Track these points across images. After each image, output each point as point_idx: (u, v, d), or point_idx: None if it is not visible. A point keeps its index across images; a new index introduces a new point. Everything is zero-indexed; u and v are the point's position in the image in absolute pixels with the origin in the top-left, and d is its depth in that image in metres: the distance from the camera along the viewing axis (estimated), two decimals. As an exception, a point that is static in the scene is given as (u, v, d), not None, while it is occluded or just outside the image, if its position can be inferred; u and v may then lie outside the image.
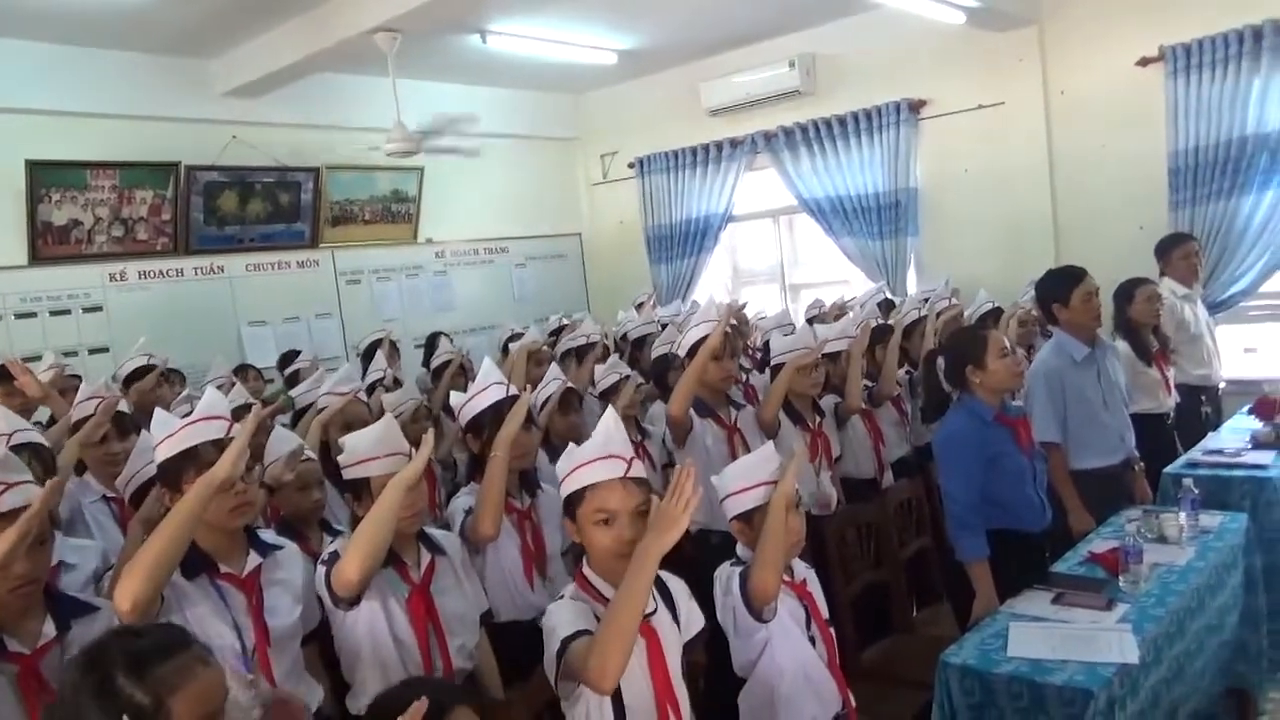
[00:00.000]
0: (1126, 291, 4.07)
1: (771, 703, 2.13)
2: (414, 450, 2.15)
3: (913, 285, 6.16)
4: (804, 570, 2.29)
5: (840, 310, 5.27)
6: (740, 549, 2.22)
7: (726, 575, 2.16)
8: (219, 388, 3.40)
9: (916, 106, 6.11)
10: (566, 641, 1.75)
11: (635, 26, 5.99)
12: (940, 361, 3.14)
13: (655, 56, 6.70)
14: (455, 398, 2.80)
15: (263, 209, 6.03)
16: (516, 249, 7.63)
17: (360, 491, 2.22)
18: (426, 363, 5.39)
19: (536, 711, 2.10)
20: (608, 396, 3.76)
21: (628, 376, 3.87)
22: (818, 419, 3.61)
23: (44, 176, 5.09)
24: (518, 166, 7.52)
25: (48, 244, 5.22)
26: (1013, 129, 5.77)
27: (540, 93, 7.52)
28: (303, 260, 6.36)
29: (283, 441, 2.72)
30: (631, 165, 7.61)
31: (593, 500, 1.87)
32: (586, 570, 1.91)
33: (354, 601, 2.03)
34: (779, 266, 7.30)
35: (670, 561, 1.85)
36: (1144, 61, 5.23)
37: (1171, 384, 4.15)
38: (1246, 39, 4.84)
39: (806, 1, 5.85)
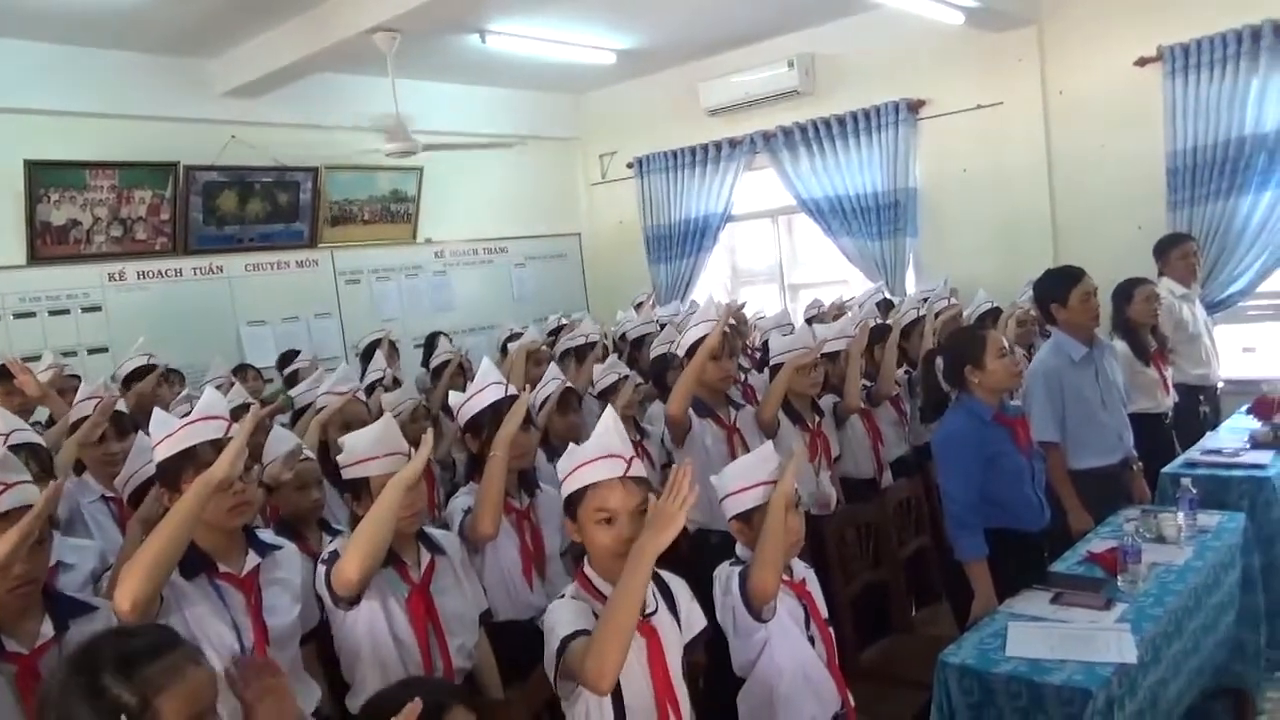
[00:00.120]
0: (1125, 291, 4.08)
1: (771, 702, 2.13)
2: (413, 450, 2.15)
3: (911, 285, 6.16)
4: (803, 570, 2.29)
5: (839, 310, 5.27)
6: (739, 549, 2.22)
7: (726, 575, 2.16)
8: (218, 388, 3.41)
9: (915, 106, 6.12)
10: (566, 641, 1.75)
11: (634, 26, 6.00)
12: (939, 361, 3.15)
13: (654, 56, 6.70)
14: (454, 397, 2.80)
15: (262, 209, 6.03)
16: (515, 249, 7.63)
17: (360, 491, 2.22)
18: (426, 362, 5.39)
19: (535, 711, 2.10)
20: (606, 396, 3.76)
21: (626, 376, 3.87)
22: (817, 419, 3.61)
23: (43, 176, 5.09)
24: (517, 166, 7.51)
25: (46, 244, 5.21)
26: (1011, 129, 5.78)
27: (539, 93, 7.52)
28: (302, 260, 6.36)
29: (281, 441, 2.72)
30: (630, 165, 7.61)
31: (593, 499, 1.87)
32: (587, 570, 1.91)
33: (354, 601, 2.04)
34: (778, 266, 7.30)
35: (669, 561, 1.85)
36: (1142, 61, 5.23)
37: (1170, 384, 4.15)
38: (1245, 39, 4.84)
39: (805, 1, 5.85)
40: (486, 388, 2.69)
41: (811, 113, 6.49)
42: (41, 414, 3.78)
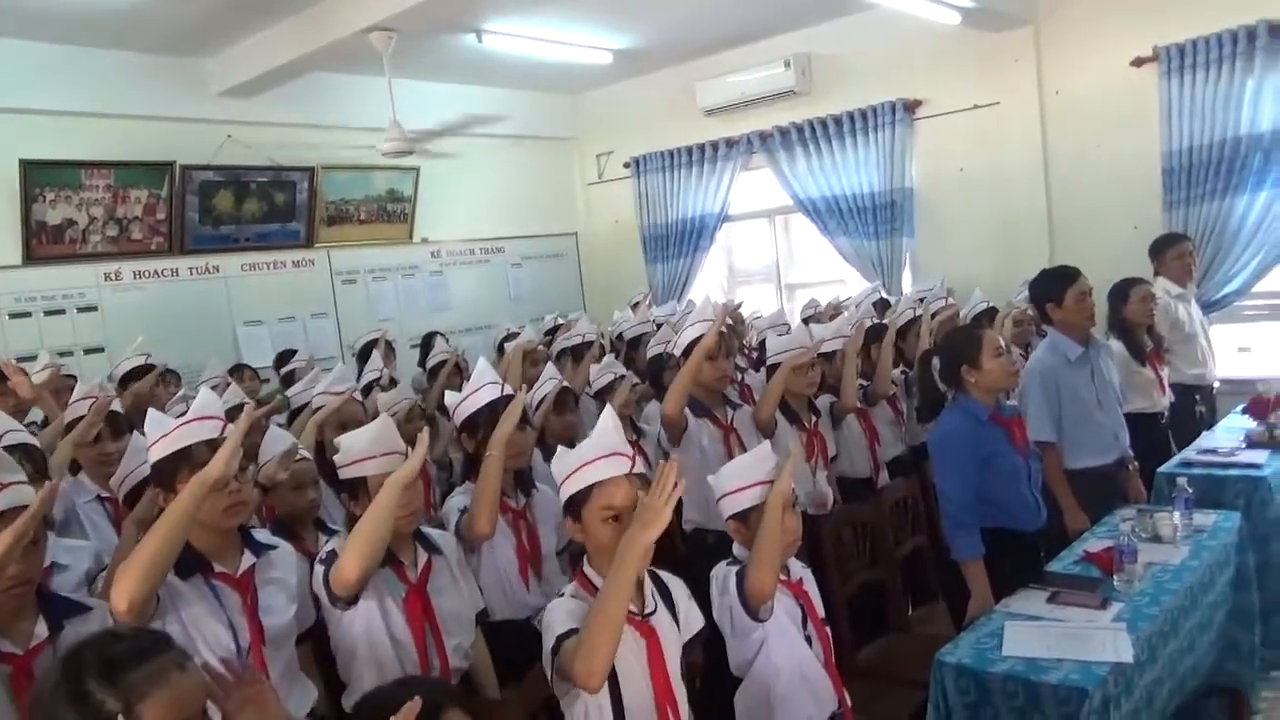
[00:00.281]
0: (1121, 291, 4.08)
1: (768, 702, 2.13)
2: (410, 449, 2.15)
3: (908, 285, 6.17)
4: (800, 569, 2.30)
5: (836, 310, 5.27)
6: (737, 548, 2.22)
7: (723, 575, 2.16)
8: (213, 388, 3.41)
9: (912, 106, 6.12)
10: (561, 639, 1.75)
11: (631, 26, 5.99)
12: (935, 361, 3.15)
13: (651, 56, 6.69)
14: (450, 397, 2.80)
15: (258, 208, 6.02)
16: (512, 249, 7.62)
17: (357, 491, 2.22)
18: (422, 362, 5.39)
19: (532, 711, 2.10)
20: (603, 396, 3.77)
21: (623, 376, 3.87)
22: (813, 418, 3.61)
23: (38, 176, 5.08)
24: (513, 166, 7.52)
25: (42, 244, 5.20)
26: (1008, 129, 5.78)
27: (536, 92, 7.51)
28: (298, 260, 6.35)
29: (277, 441, 2.71)
30: (627, 165, 7.61)
31: (600, 498, 1.87)
32: (587, 569, 1.92)
33: (352, 601, 2.04)
34: (774, 266, 7.30)
35: (666, 561, 1.85)
36: (1138, 62, 5.24)
37: (1166, 383, 4.16)
38: (1240, 39, 4.85)
39: (802, 1, 5.85)
40: (482, 387, 2.69)
41: (808, 113, 6.49)
42: (37, 414, 3.78)
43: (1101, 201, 5.47)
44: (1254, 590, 3.07)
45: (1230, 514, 3.13)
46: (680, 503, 3.21)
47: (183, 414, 2.09)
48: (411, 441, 2.16)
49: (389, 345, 5.56)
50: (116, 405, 3.17)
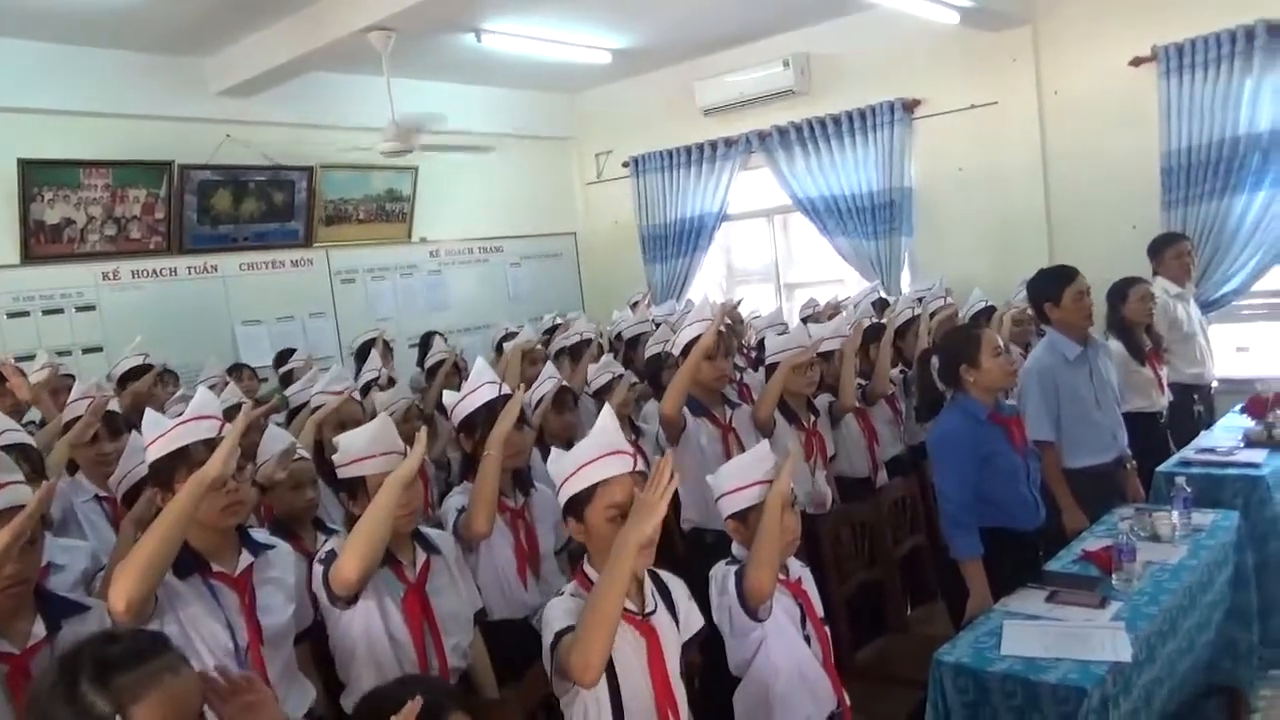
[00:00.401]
0: (1120, 290, 4.08)
1: (767, 701, 2.13)
2: (408, 449, 2.15)
3: (907, 284, 6.17)
4: (799, 569, 2.30)
5: (834, 310, 5.27)
6: (735, 548, 2.22)
7: (722, 574, 2.16)
8: (211, 387, 3.40)
9: (910, 106, 6.12)
10: (559, 635, 1.75)
11: (630, 26, 5.99)
12: (934, 360, 3.15)
13: (650, 56, 6.69)
14: (448, 397, 2.80)
15: (256, 208, 6.02)
16: (511, 248, 7.62)
17: (356, 490, 2.21)
18: (421, 362, 5.38)
19: (530, 710, 2.10)
20: (602, 395, 3.76)
21: (621, 375, 3.87)
22: (812, 418, 3.61)
23: (36, 175, 5.07)
24: (512, 166, 7.51)
25: (40, 243, 5.20)
26: (1006, 128, 5.78)
27: (535, 92, 7.51)
28: (297, 259, 6.35)
29: (275, 440, 2.71)
30: (626, 164, 7.61)
31: (604, 496, 1.87)
32: (586, 568, 1.92)
33: (352, 600, 2.04)
34: (773, 266, 7.30)
35: (664, 560, 1.85)
36: (1137, 61, 5.24)
37: (1164, 383, 4.16)
38: (1239, 39, 4.85)
39: (801, 1, 5.85)
40: (480, 387, 2.69)
41: (807, 112, 6.49)
42: (35, 414, 3.77)
43: (1100, 201, 5.48)
44: (1252, 589, 3.07)
45: (1228, 513, 3.13)
46: (679, 502, 3.24)
47: (181, 414, 2.09)
48: (410, 441, 2.16)
49: (387, 345, 5.55)
50: (114, 405, 3.17)
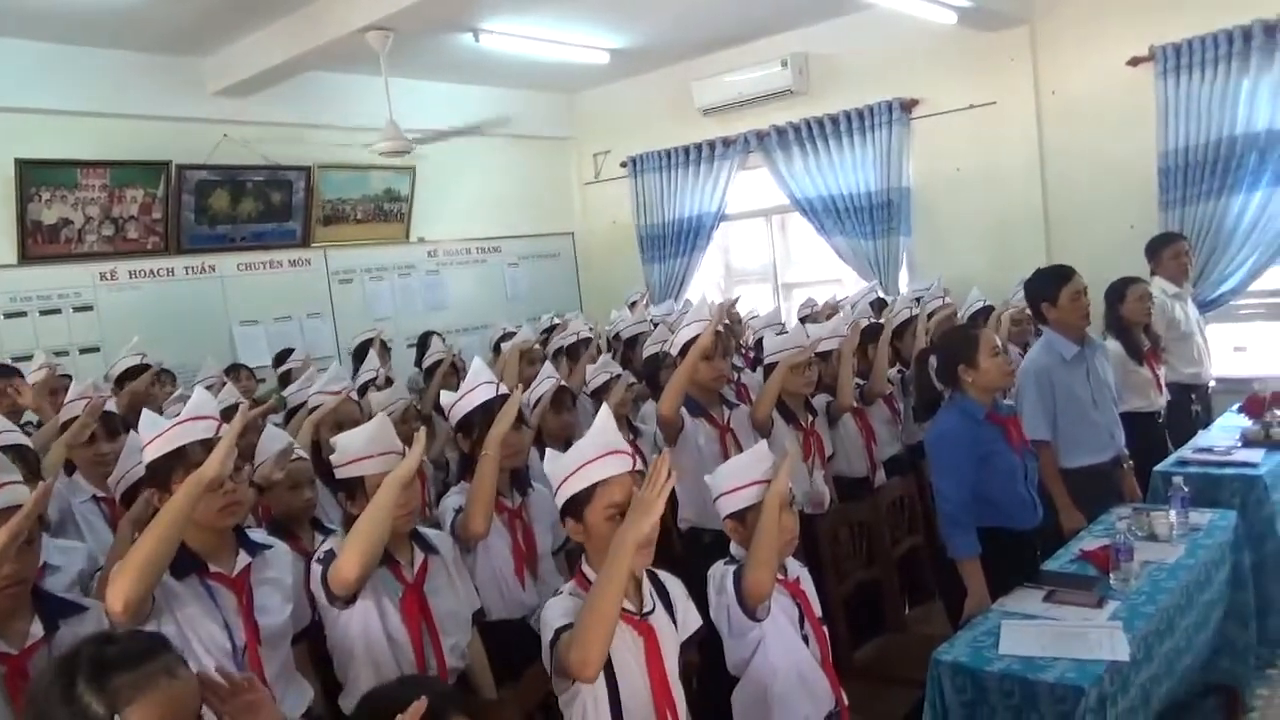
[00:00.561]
0: (1118, 290, 4.09)
1: (765, 701, 2.13)
2: (407, 449, 2.15)
3: (905, 284, 6.17)
4: (797, 569, 2.30)
5: (832, 309, 5.27)
6: (734, 548, 2.22)
7: (720, 574, 2.16)
8: (209, 388, 3.40)
9: (908, 106, 6.12)
10: (559, 632, 1.76)
11: (628, 26, 5.99)
12: (932, 360, 3.15)
13: (648, 56, 6.69)
14: (446, 397, 2.80)
15: (254, 208, 6.01)
16: (509, 248, 7.62)
17: (354, 490, 2.21)
18: (419, 362, 5.38)
19: (528, 711, 2.10)
20: (600, 395, 3.76)
21: (619, 375, 3.87)
22: (810, 418, 3.61)
23: (34, 175, 5.06)
24: (510, 165, 7.51)
25: (38, 243, 5.19)
26: (1004, 128, 5.79)
27: (533, 92, 7.51)
28: (294, 259, 6.34)
29: (273, 440, 2.71)
30: (624, 164, 7.61)
31: (604, 496, 1.87)
32: (585, 567, 1.92)
33: (350, 600, 2.04)
34: (771, 266, 7.30)
35: (662, 560, 1.85)
36: (1134, 61, 5.24)
37: (1162, 382, 4.17)
38: (1236, 39, 4.86)
39: (799, 1, 5.86)
40: (478, 387, 2.69)
41: (805, 112, 6.49)
42: (32, 414, 3.77)
43: (1098, 201, 5.48)
44: (1249, 588, 3.08)
45: (1226, 512, 3.14)
46: (676, 502, 3.24)
47: (178, 414, 2.09)
48: (408, 441, 2.16)
49: (384, 345, 5.55)
50: (111, 405, 3.16)
